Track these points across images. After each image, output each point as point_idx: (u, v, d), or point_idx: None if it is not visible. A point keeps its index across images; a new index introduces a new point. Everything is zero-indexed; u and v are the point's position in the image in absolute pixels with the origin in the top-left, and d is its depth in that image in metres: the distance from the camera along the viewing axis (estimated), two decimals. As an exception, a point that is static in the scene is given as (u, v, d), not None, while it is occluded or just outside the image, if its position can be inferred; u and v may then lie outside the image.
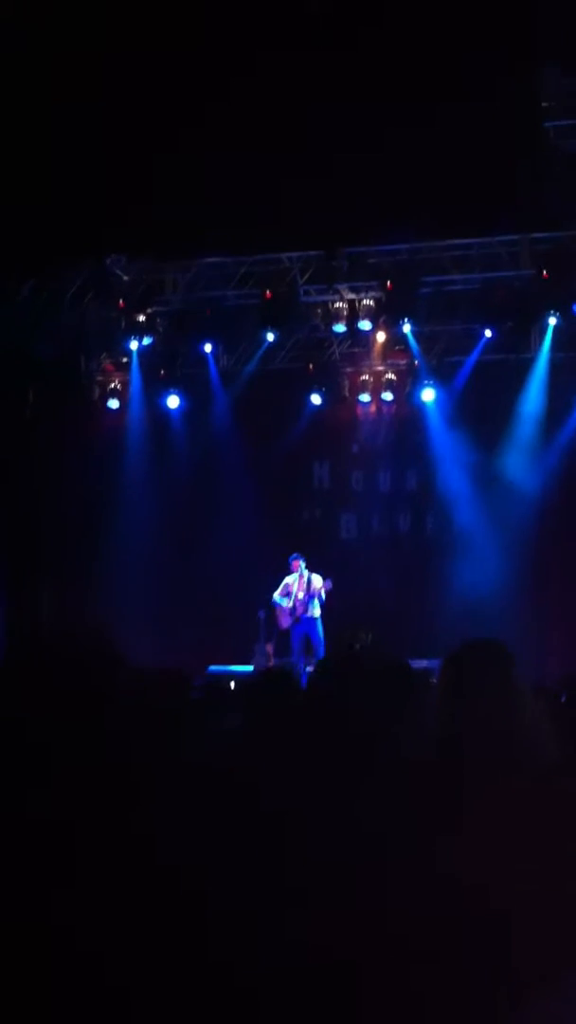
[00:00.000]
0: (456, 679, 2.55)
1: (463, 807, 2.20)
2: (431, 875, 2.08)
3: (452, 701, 2.50)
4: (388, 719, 2.56)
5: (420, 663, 10.08)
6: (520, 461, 15.08)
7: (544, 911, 2.11)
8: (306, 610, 14.14)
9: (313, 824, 2.27)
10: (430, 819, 2.18)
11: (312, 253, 14.86)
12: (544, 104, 12.48)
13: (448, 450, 15.63)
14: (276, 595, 14.33)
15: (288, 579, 14.32)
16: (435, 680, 2.87)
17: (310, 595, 14.11)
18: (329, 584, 14.07)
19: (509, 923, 2.08)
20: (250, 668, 13.88)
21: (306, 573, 14.23)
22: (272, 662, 13.94)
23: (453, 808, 2.20)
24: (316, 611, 14.16)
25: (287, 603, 14.22)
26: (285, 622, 14.32)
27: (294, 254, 15.02)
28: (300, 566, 14.25)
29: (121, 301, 15.37)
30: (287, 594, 14.26)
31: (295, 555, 14.33)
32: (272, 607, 14.36)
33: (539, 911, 2.11)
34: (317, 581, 14.13)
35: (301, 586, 14.19)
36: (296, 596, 14.19)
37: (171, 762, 2.94)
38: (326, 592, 14.09)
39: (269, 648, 14.52)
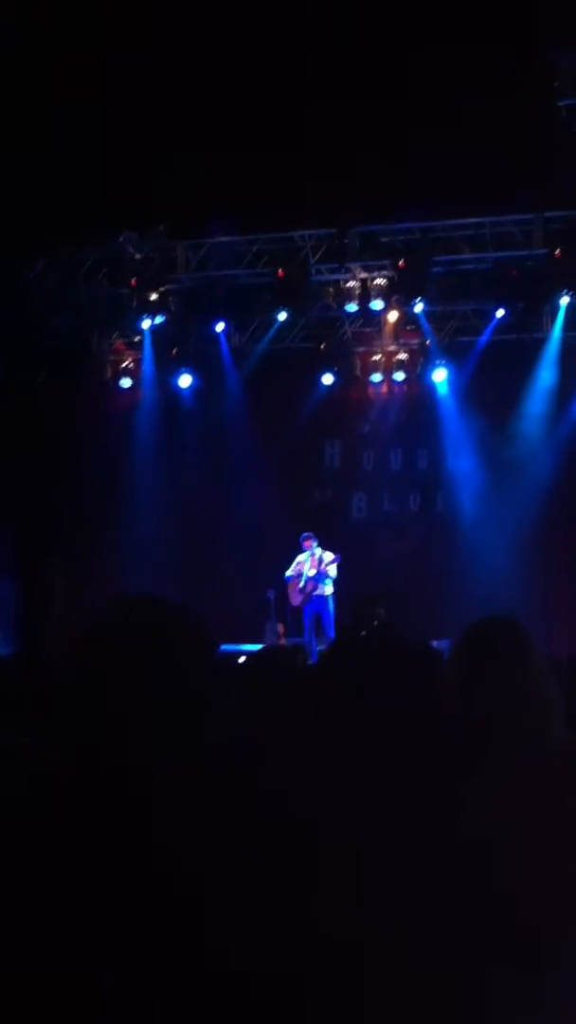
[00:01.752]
0: (476, 656, 2.53)
1: (491, 783, 2.19)
2: (457, 862, 2.07)
3: (473, 678, 2.47)
4: (405, 699, 2.54)
5: (431, 643, 10.10)
6: (531, 441, 15.04)
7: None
8: (316, 588, 14.16)
9: (321, 806, 2.25)
10: (457, 795, 2.17)
11: (324, 232, 14.80)
12: (557, 83, 12.39)
13: (459, 430, 15.59)
14: (288, 572, 14.36)
15: (300, 557, 14.33)
16: (447, 659, 2.84)
17: (321, 573, 14.12)
18: (339, 558, 14.06)
19: (536, 911, 2.07)
20: (259, 646, 13.88)
21: (318, 551, 14.24)
22: (283, 641, 13.95)
23: (481, 784, 2.19)
24: (327, 589, 14.16)
25: (299, 581, 14.25)
26: (296, 600, 14.35)
27: (306, 233, 14.96)
28: (312, 545, 14.26)
29: (133, 280, 15.32)
30: (299, 572, 14.29)
31: (306, 534, 14.35)
32: (285, 583, 14.40)
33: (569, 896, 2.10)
34: (328, 558, 14.13)
35: (313, 564, 14.21)
36: (307, 574, 14.21)
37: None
38: (336, 566, 14.08)
39: (280, 627, 14.55)
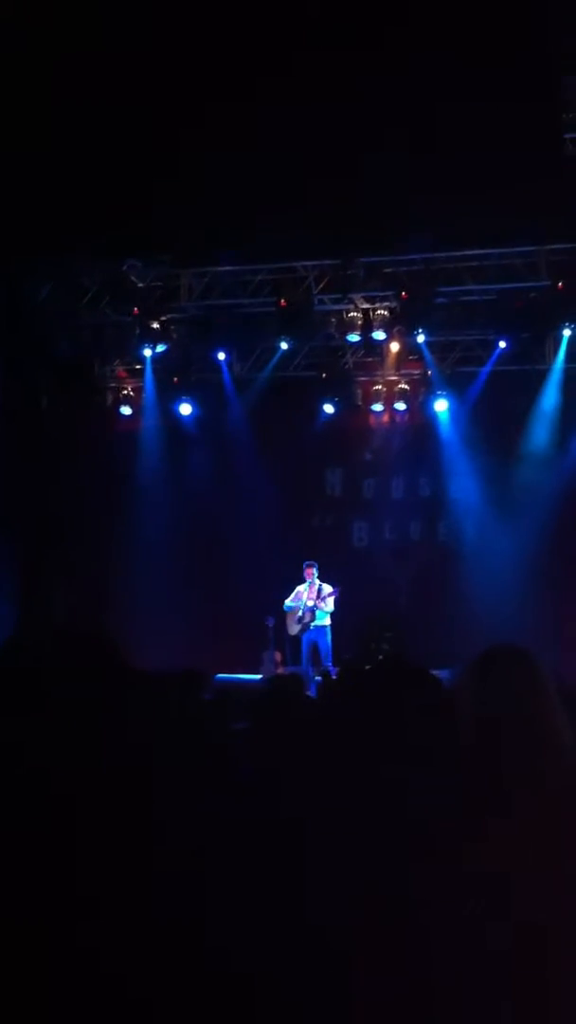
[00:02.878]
0: (489, 684, 2.51)
1: (505, 811, 2.17)
2: (473, 886, 2.04)
3: (485, 707, 2.45)
4: (411, 730, 2.52)
5: (432, 672, 10.06)
6: (533, 470, 15.04)
7: None
8: (313, 618, 14.14)
9: (325, 833, 2.24)
10: (470, 822, 2.15)
11: (328, 262, 14.85)
12: (563, 115, 12.46)
13: (461, 459, 15.61)
14: (287, 601, 14.34)
15: (300, 588, 14.32)
16: (451, 687, 2.82)
17: (318, 604, 14.11)
18: (336, 592, 14.04)
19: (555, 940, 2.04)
20: (258, 676, 13.86)
21: (317, 582, 14.24)
22: (281, 670, 13.90)
23: (496, 812, 2.16)
24: (324, 620, 14.15)
25: (297, 611, 14.23)
26: (293, 630, 14.34)
27: (309, 263, 15.01)
28: (312, 574, 14.25)
29: (136, 308, 15.36)
30: (297, 602, 14.27)
31: (308, 562, 14.34)
32: (284, 612, 14.38)
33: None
34: (326, 590, 14.13)
35: (311, 594, 14.19)
36: (305, 604, 14.19)
37: (180, 764, 2.91)
38: (334, 599, 14.07)
39: (278, 656, 14.50)
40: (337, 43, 11.85)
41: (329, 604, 14.15)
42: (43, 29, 11.17)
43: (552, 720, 2.47)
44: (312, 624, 14.18)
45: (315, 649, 14.15)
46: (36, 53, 11.35)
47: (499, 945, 2.06)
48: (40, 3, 11.12)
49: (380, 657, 12.90)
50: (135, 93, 11.73)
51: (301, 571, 14.41)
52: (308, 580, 14.30)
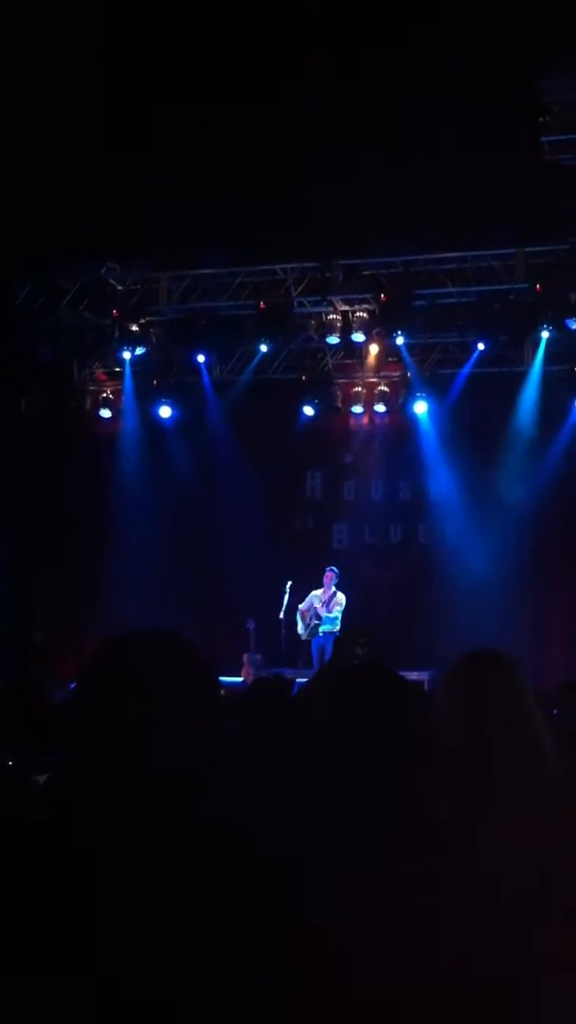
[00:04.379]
0: (466, 689, 2.52)
1: (485, 816, 2.18)
2: (453, 894, 2.06)
3: (463, 711, 2.47)
4: (384, 732, 2.53)
5: (411, 675, 10.08)
6: (512, 472, 15.09)
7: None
8: (320, 624, 14.19)
9: (310, 835, 2.24)
10: (453, 828, 2.16)
11: (307, 265, 14.88)
12: (540, 119, 12.52)
13: (441, 461, 15.64)
14: (301, 605, 14.41)
15: (316, 592, 14.38)
16: (432, 686, 2.84)
17: (327, 608, 14.18)
18: (344, 604, 14.15)
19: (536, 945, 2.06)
20: (239, 679, 13.86)
21: (333, 589, 14.28)
22: (262, 672, 13.90)
23: (476, 817, 2.18)
24: (333, 628, 14.20)
25: (308, 614, 14.29)
26: (303, 634, 14.38)
27: (289, 265, 15.03)
28: (331, 580, 14.33)
29: (115, 310, 15.35)
30: (310, 606, 14.32)
31: (330, 568, 14.42)
32: (297, 613, 14.40)
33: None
34: (338, 598, 14.21)
35: (324, 600, 14.25)
36: (316, 609, 14.26)
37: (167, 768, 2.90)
38: (340, 611, 14.13)
39: (259, 658, 14.49)
40: (317, 46, 11.87)
41: (335, 612, 14.20)
42: (16, 32, 11.16)
43: (530, 724, 2.49)
44: (321, 630, 14.22)
45: (323, 654, 14.18)
46: (13, 57, 11.33)
47: (495, 947, 2.08)
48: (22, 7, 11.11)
49: (355, 662, 12.91)
50: (114, 97, 11.73)
51: (285, 575, 14.47)
52: (326, 585, 14.37)
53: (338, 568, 15.01)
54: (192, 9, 11.60)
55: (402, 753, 2.41)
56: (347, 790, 2.35)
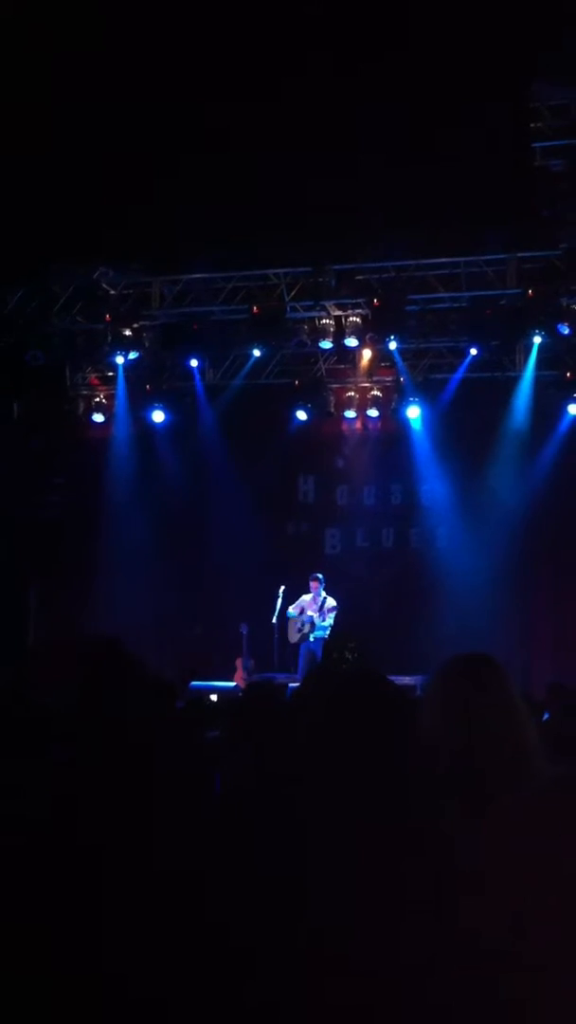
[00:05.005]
0: (454, 694, 2.54)
1: (475, 819, 2.19)
2: (445, 895, 2.06)
3: (450, 716, 2.48)
4: (371, 735, 2.54)
5: (404, 679, 10.08)
6: (504, 477, 15.13)
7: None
8: (313, 629, 14.19)
9: (301, 839, 2.26)
10: (444, 831, 2.18)
11: (300, 269, 14.90)
12: (532, 124, 12.56)
13: (433, 466, 15.67)
14: (290, 609, 14.38)
15: (305, 597, 14.39)
16: (420, 695, 2.85)
17: (322, 617, 14.19)
18: (337, 609, 14.13)
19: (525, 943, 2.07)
20: (232, 684, 13.86)
21: (322, 594, 14.28)
22: (254, 677, 13.91)
23: (467, 820, 2.19)
24: (324, 634, 14.19)
25: (298, 621, 14.29)
26: (293, 637, 14.38)
27: (282, 270, 15.05)
28: (318, 586, 14.31)
29: (108, 315, 15.36)
30: (300, 611, 14.30)
31: (314, 575, 14.41)
32: (287, 619, 14.39)
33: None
34: (329, 604, 14.24)
35: (313, 606, 14.24)
36: (306, 615, 14.25)
37: (153, 771, 2.92)
38: (333, 616, 14.12)
39: (251, 664, 14.50)
40: (315, 48, 11.89)
41: (329, 619, 14.21)
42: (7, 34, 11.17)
43: (519, 727, 2.50)
44: (311, 636, 14.21)
45: (312, 660, 14.16)
46: (7, 60, 11.34)
47: (491, 945, 2.09)
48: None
49: (344, 667, 12.93)
50: (107, 101, 11.74)
51: (278, 580, 14.47)
52: (313, 592, 14.36)
53: (330, 572, 15.03)
54: (186, 12, 11.62)
55: (393, 757, 2.42)
56: (340, 793, 2.36)
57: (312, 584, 14.38)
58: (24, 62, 11.42)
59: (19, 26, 11.15)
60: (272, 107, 12.15)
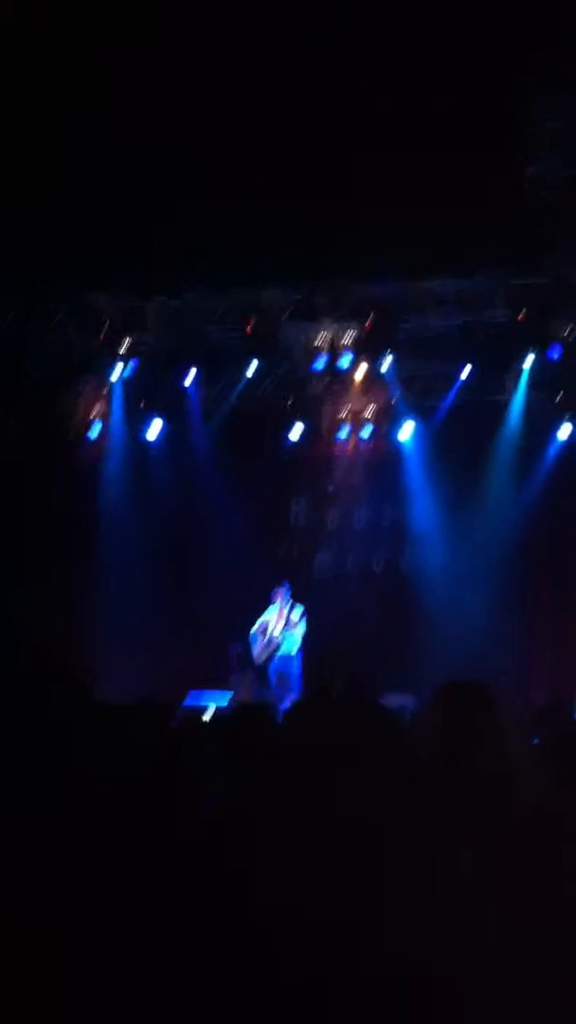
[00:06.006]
0: (443, 720, 2.56)
1: (469, 844, 2.21)
2: (440, 921, 2.08)
3: (445, 740, 2.50)
4: (361, 762, 2.57)
5: (397, 699, 10.07)
6: (497, 499, 15.16)
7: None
8: (280, 647, 13.94)
9: (292, 863, 2.27)
10: (436, 856, 2.20)
11: (294, 290, 14.93)
12: (525, 150, 12.63)
13: (424, 488, 15.69)
14: (252, 630, 14.14)
15: (268, 615, 14.09)
16: (412, 717, 2.88)
17: (287, 631, 13.93)
18: (303, 610, 13.92)
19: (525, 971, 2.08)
20: (230, 693, 13.73)
21: (289, 602, 14.02)
22: (248, 695, 13.83)
23: (461, 845, 2.21)
24: (291, 648, 13.96)
25: (264, 638, 14.05)
26: (260, 658, 14.11)
27: (275, 291, 15.08)
28: (282, 596, 14.02)
29: (101, 334, 15.38)
30: (263, 629, 14.14)
31: (283, 582, 14.13)
32: (251, 642, 14.21)
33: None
34: (296, 614, 13.95)
35: (279, 619, 14.01)
36: (271, 632, 14.01)
37: (144, 797, 2.95)
38: (303, 620, 13.89)
39: (246, 681, 14.42)
40: (295, 69, 11.95)
41: (300, 626, 13.86)
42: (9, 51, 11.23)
43: (511, 752, 2.52)
44: (278, 654, 14.05)
45: (283, 678, 13.94)
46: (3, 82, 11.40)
47: (475, 971, 2.11)
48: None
49: (333, 695, 12.83)
50: (104, 124, 11.79)
51: (267, 601, 14.17)
52: (279, 601, 13.98)
53: (321, 594, 14.94)
54: (183, 30, 11.67)
55: (385, 787, 2.45)
56: (329, 819, 2.39)
57: (277, 593, 13.98)
58: (16, 81, 11.46)
59: (18, 39, 11.20)
60: (265, 126, 12.21)
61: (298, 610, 13.98)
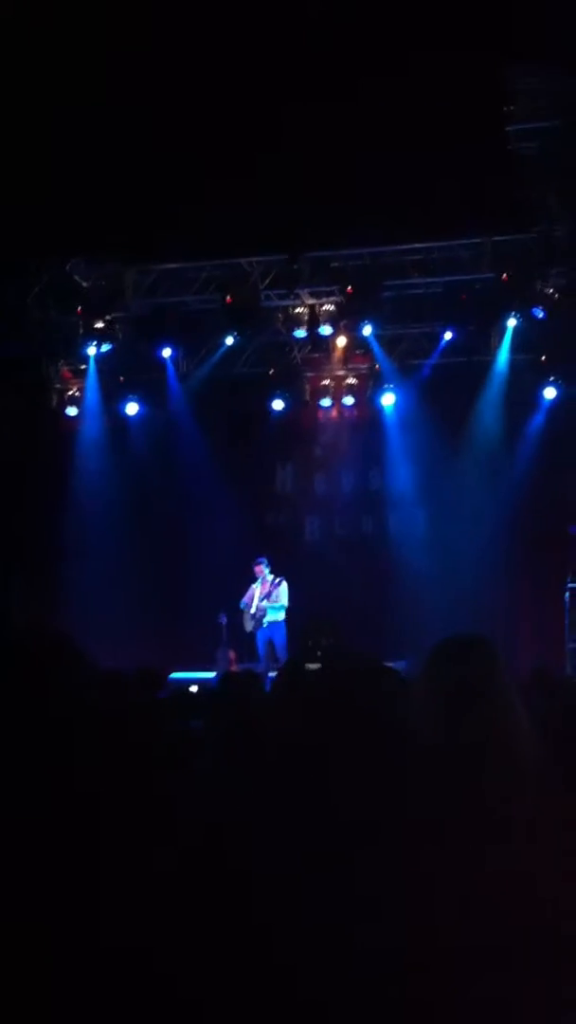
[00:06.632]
0: (447, 676, 2.48)
1: (470, 807, 2.14)
2: (441, 890, 2.00)
3: (444, 699, 2.43)
4: (363, 724, 2.47)
5: (385, 665, 10.03)
6: (481, 461, 15.14)
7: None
8: (266, 614, 14.11)
9: (281, 833, 2.19)
10: (436, 821, 2.11)
11: (273, 258, 14.81)
12: (506, 107, 12.51)
13: (410, 451, 15.66)
14: (243, 601, 14.29)
15: (253, 585, 14.30)
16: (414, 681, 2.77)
17: (270, 598, 14.10)
18: (282, 580, 14.05)
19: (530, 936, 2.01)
20: (212, 674, 13.79)
21: (269, 577, 14.20)
22: (235, 667, 13.85)
23: (461, 809, 2.14)
24: (278, 616, 14.11)
25: (251, 608, 14.24)
26: (248, 626, 14.32)
27: (255, 259, 14.97)
28: (263, 571, 14.23)
29: (80, 307, 15.24)
30: (250, 599, 14.24)
31: (258, 559, 14.30)
32: (240, 611, 14.34)
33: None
34: (281, 588, 14.10)
35: (263, 591, 14.18)
36: (257, 601, 14.18)
37: (138, 767, 2.85)
38: (285, 590, 14.02)
39: (231, 654, 14.44)
40: (278, 41, 11.81)
41: (282, 597, 14.11)
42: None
43: (511, 705, 2.46)
44: (265, 621, 14.15)
45: (271, 646, 14.13)
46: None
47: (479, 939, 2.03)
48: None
49: (319, 653, 12.87)
50: (81, 89, 11.63)
51: (252, 569, 14.38)
52: (259, 577, 14.27)
53: (310, 560, 14.98)
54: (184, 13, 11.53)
55: (385, 750, 2.35)
56: (324, 785, 2.29)
57: (256, 569, 14.23)
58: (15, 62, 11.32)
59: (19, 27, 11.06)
60: (246, 96, 12.07)
61: (282, 584, 14.10)
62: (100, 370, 15.94)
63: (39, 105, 11.79)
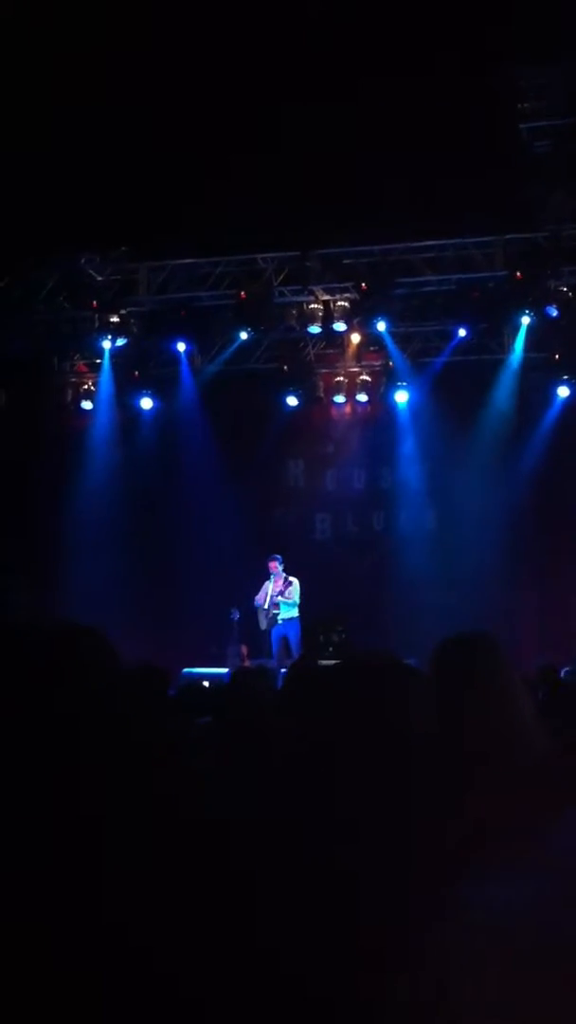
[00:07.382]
0: (452, 673, 2.50)
1: (476, 801, 2.16)
2: (448, 881, 2.03)
3: (450, 695, 2.45)
4: (371, 720, 2.50)
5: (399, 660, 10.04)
6: (493, 459, 15.11)
7: None
8: (280, 611, 14.08)
9: (289, 828, 2.22)
10: (430, 814, 2.14)
11: (287, 254, 14.82)
12: (519, 106, 12.51)
13: (422, 449, 15.64)
14: (257, 598, 14.30)
15: (267, 583, 14.28)
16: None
17: (284, 595, 14.07)
18: (296, 582, 14.03)
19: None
20: (224, 671, 13.81)
21: (283, 575, 14.20)
22: (247, 663, 13.87)
23: (454, 804, 2.16)
24: (291, 613, 14.08)
25: (265, 605, 14.21)
26: (263, 624, 14.29)
27: (269, 255, 14.98)
28: (277, 568, 14.21)
29: (94, 302, 15.28)
30: (263, 597, 14.24)
31: (271, 556, 14.28)
32: (255, 608, 14.32)
33: None
34: (294, 586, 14.10)
35: (276, 589, 14.16)
36: (272, 598, 14.16)
37: (146, 763, 2.88)
38: (297, 590, 13.99)
39: (243, 650, 14.46)
40: (290, 35, 11.82)
41: (294, 595, 14.10)
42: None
43: (517, 702, 2.47)
44: (280, 618, 14.12)
45: (285, 643, 14.10)
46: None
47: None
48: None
49: (330, 649, 12.88)
50: (91, 85, 11.67)
51: (265, 565, 14.37)
52: (273, 574, 14.30)
53: (320, 557, 14.96)
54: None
55: (399, 747, 2.38)
56: (335, 778, 2.33)
57: (271, 565, 14.17)
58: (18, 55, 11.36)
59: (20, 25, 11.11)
60: (258, 94, 12.09)
61: (295, 582, 14.09)
62: (114, 365, 15.97)
63: (50, 102, 11.84)
